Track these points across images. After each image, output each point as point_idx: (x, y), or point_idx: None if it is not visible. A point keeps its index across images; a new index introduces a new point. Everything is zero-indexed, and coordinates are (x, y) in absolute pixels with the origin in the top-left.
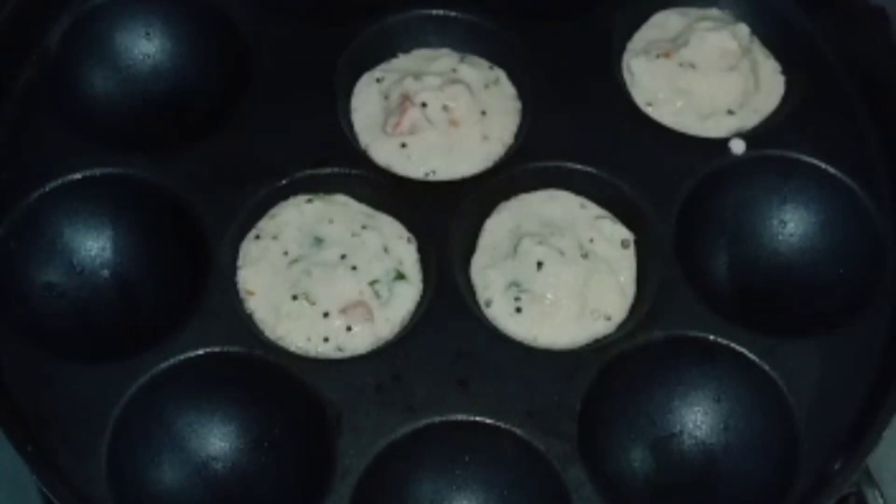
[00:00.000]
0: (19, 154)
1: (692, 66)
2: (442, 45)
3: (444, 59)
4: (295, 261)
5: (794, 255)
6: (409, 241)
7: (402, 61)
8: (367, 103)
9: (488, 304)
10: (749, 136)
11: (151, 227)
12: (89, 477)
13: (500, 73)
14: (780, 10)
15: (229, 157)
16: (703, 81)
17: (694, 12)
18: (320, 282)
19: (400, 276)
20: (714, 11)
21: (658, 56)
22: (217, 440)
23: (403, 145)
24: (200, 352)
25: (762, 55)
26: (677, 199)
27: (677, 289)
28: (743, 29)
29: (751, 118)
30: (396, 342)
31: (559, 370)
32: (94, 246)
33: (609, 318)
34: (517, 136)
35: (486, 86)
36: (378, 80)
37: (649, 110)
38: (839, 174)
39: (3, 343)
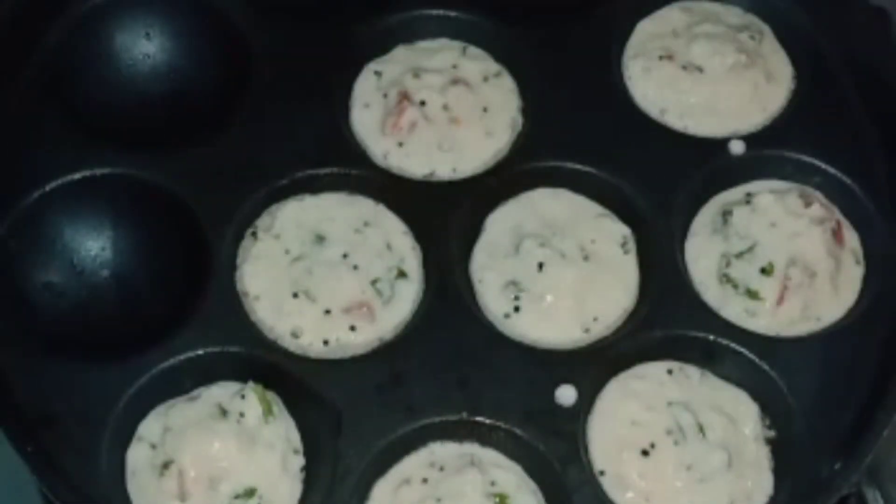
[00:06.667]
0: (19, 154)
1: (697, 69)
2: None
3: (444, 53)
4: (296, 259)
5: None
6: (411, 237)
7: (401, 54)
8: (366, 102)
9: (487, 303)
10: (749, 137)
11: (151, 227)
12: (89, 477)
13: (502, 67)
14: (781, 9)
15: (229, 157)
16: (707, 86)
17: (698, 8)
18: (322, 280)
19: (402, 275)
20: (718, 7)
21: (661, 58)
22: None
23: (401, 144)
24: (200, 352)
25: (771, 49)
26: (677, 200)
27: (678, 289)
28: (753, 28)
29: (755, 117)
30: (396, 342)
31: (559, 370)
32: (94, 246)
33: (609, 319)
34: (518, 134)
35: (486, 78)
36: (377, 74)
37: (650, 110)
38: (839, 174)
39: (3, 343)
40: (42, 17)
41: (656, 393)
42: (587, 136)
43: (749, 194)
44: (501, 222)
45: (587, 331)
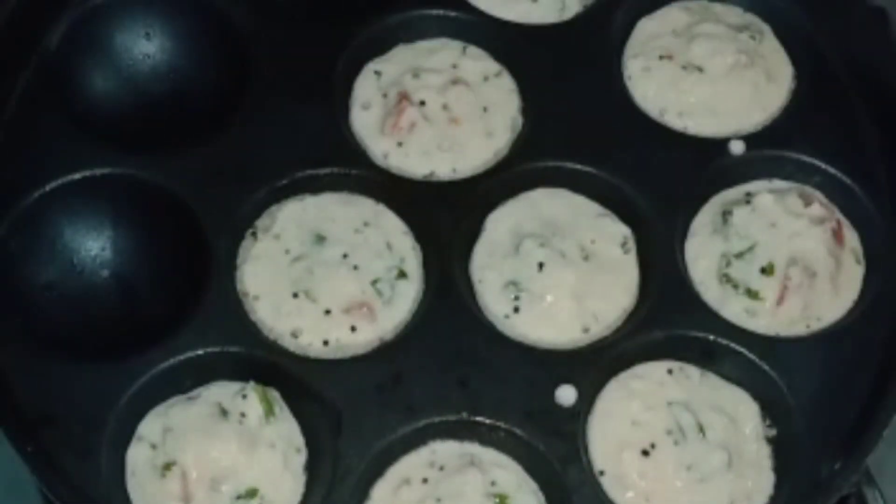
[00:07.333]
0: (19, 154)
1: (697, 69)
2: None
3: (444, 53)
4: (296, 259)
5: None
6: (411, 237)
7: (401, 54)
8: (366, 102)
9: (487, 303)
10: (749, 137)
11: (151, 227)
12: (89, 477)
13: (502, 67)
14: (780, 9)
15: (229, 157)
16: (707, 86)
17: (698, 7)
18: (322, 280)
19: (402, 275)
20: (718, 7)
21: (661, 57)
22: None
23: (401, 144)
24: (200, 352)
25: (771, 49)
26: (677, 199)
27: (678, 289)
28: (753, 28)
29: (755, 117)
30: (396, 342)
31: (559, 370)
32: (94, 246)
33: (609, 319)
34: (518, 134)
35: (486, 78)
36: (377, 74)
37: (650, 110)
38: (839, 174)
39: (3, 343)
40: (42, 17)
41: (656, 393)
42: (587, 136)
43: (749, 194)
44: (501, 222)
45: (587, 331)
